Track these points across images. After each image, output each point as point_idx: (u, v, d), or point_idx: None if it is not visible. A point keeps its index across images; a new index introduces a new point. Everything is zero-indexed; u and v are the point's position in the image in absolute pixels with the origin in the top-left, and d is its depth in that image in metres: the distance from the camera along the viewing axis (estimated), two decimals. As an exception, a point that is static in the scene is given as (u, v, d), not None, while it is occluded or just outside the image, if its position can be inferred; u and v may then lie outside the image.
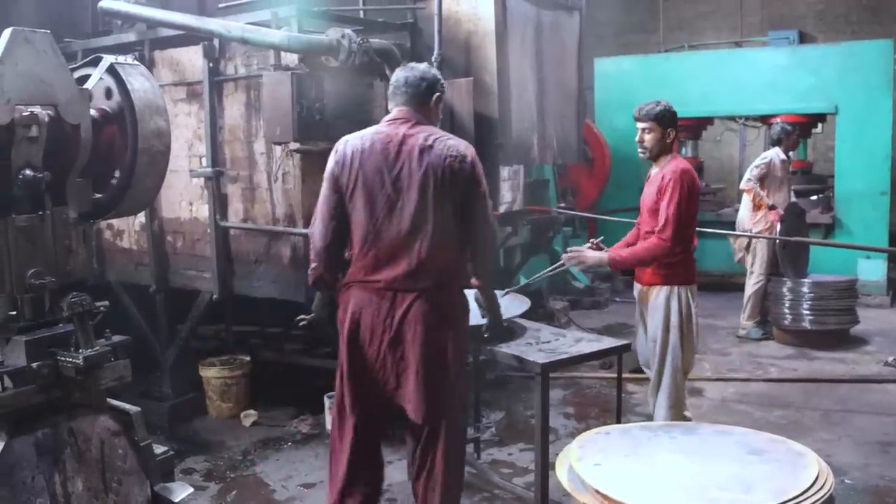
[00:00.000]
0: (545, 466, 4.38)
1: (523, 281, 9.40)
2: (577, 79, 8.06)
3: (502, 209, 7.85)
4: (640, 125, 5.25)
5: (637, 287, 5.35)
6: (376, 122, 6.20)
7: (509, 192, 8.45)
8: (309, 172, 5.88)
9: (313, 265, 4.12)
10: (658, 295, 5.05)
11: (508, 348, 4.61)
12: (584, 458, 3.16)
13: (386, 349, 4.00)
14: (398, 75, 4.19)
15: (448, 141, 4.07)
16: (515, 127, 6.86)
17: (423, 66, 4.28)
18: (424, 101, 4.15)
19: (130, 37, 6.94)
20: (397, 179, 3.95)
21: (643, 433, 3.52)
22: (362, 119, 6.15)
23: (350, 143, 4.04)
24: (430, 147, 4.00)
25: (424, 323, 3.98)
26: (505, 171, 7.94)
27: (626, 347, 4.78)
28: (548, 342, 4.68)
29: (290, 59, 5.95)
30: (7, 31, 3.89)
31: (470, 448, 5.83)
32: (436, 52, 6.22)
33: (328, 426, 6.31)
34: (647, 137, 5.19)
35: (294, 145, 5.80)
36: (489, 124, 6.42)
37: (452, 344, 4.05)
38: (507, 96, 6.73)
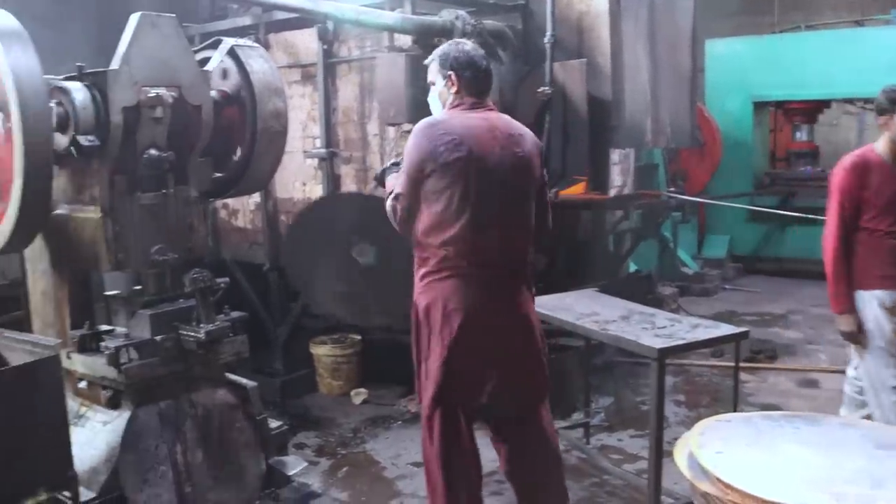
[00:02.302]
0: (659, 453, 4.32)
1: (633, 267, 9.31)
2: (691, 60, 7.88)
3: (612, 193, 7.76)
4: None
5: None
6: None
7: (619, 176, 8.34)
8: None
9: (401, 216, 3.82)
10: None
11: (622, 332, 4.53)
12: (705, 445, 3.09)
13: (500, 333, 3.87)
14: (481, 61, 3.93)
15: (523, 127, 4.00)
16: (629, 110, 6.74)
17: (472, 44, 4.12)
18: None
19: (246, 20, 7.08)
20: (500, 165, 3.80)
21: (765, 422, 3.41)
22: (474, 101, 6.16)
23: (449, 133, 3.73)
24: (521, 135, 3.92)
25: (528, 305, 3.97)
26: (615, 155, 7.83)
27: (744, 335, 4.62)
28: (663, 327, 4.59)
29: (404, 40, 6.00)
30: (135, 16, 4.03)
31: (579, 433, 5.81)
32: (548, 33, 6.14)
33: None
34: None
35: (407, 126, 5.83)
36: (602, 107, 6.32)
37: (538, 322, 4.07)
38: (621, 78, 6.61)
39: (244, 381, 4.66)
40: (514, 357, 3.89)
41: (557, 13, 6.30)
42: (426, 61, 4.05)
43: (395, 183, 3.81)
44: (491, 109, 3.93)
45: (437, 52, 3.98)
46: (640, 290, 7.76)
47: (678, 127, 7.62)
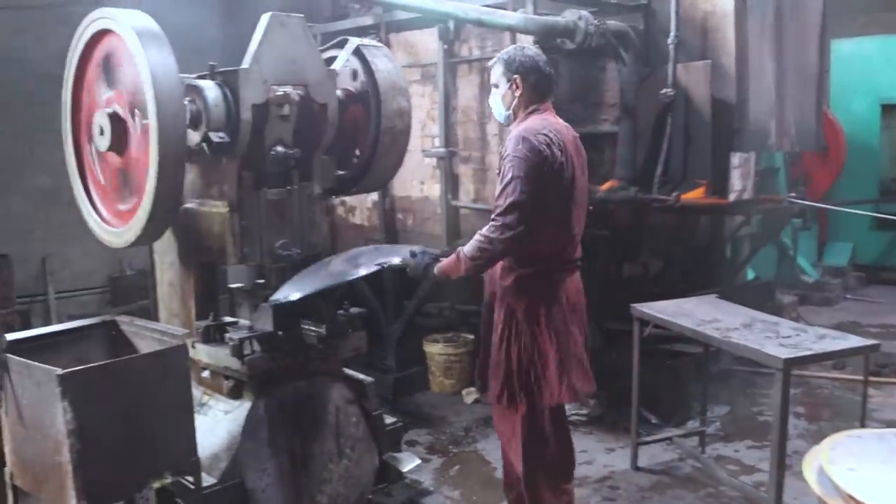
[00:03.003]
0: (782, 467, 4.20)
1: (751, 275, 9.06)
2: (818, 61, 7.63)
3: (732, 197, 7.56)
4: None
5: None
6: (608, 105, 6.19)
7: (739, 181, 8.10)
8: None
9: (519, 229, 3.76)
10: None
11: (745, 340, 4.42)
12: (837, 461, 2.98)
13: (578, 326, 4.06)
14: (545, 67, 4.00)
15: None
16: (753, 112, 6.56)
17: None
18: None
19: (367, 20, 7.19)
20: (580, 167, 3.99)
21: (900, 440, 3.28)
22: (595, 102, 6.11)
23: (550, 139, 3.82)
24: (577, 136, 4.09)
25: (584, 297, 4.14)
26: (736, 158, 7.63)
27: (875, 347, 4.45)
28: (788, 337, 4.45)
29: (525, 41, 5.96)
30: (265, 16, 4.12)
31: (694, 441, 5.70)
32: (672, 33, 6.03)
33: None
34: None
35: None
36: (726, 109, 6.17)
37: None
38: (745, 80, 6.44)
39: (362, 376, 4.71)
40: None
41: (681, 13, 6.18)
42: (489, 63, 4.13)
43: (507, 198, 3.75)
44: (553, 112, 4.05)
45: (502, 54, 4.04)
46: (759, 298, 7.55)
47: (803, 130, 7.39)
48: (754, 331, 4.63)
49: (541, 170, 3.74)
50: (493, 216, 3.77)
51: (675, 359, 6.30)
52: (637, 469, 5.44)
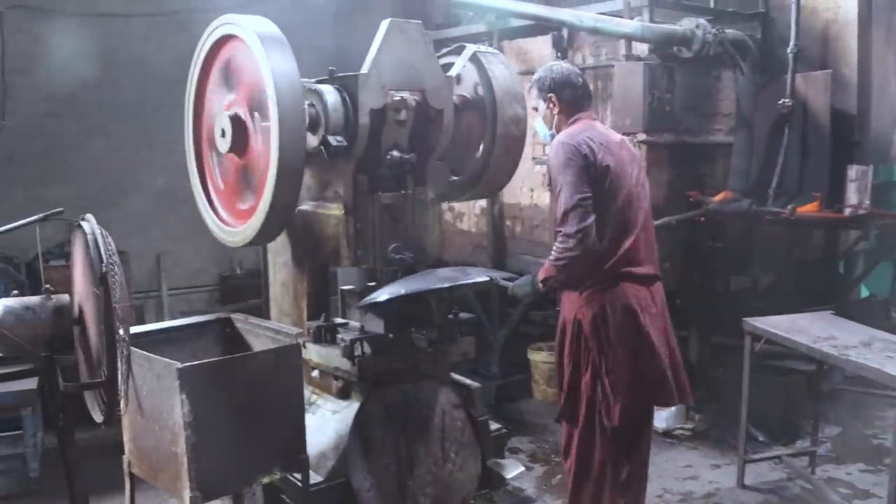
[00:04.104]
0: (898, 494, 4.05)
1: (865, 293, 8.76)
2: (947, 69, 7.37)
3: (847, 212, 7.34)
4: None
5: None
6: (722, 115, 6.08)
7: (855, 194, 7.86)
8: (654, 163, 5.78)
9: (580, 233, 3.67)
10: None
11: (864, 359, 4.28)
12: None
13: (659, 339, 3.89)
14: (577, 79, 3.99)
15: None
16: (874, 124, 6.36)
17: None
18: None
19: (480, 27, 7.20)
20: (631, 170, 3.90)
21: None
22: (708, 111, 6.00)
23: (592, 142, 3.77)
24: (625, 140, 4.03)
25: (666, 309, 4.00)
26: (852, 171, 7.40)
27: None
28: (911, 356, 4.30)
29: (641, 49, 5.92)
30: (385, 22, 4.19)
31: (804, 461, 5.53)
32: (791, 43, 5.88)
33: (654, 422, 6.25)
34: None
35: (641, 136, 5.75)
36: (846, 121, 6.00)
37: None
38: (868, 90, 6.25)
39: (468, 381, 4.73)
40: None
41: (801, 22, 6.04)
42: (527, 87, 4.12)
43: (560, 208, 3.71)
44: (596, 119, 4.02)
45: (534, 78, 4.05)
46: (875, 316, 7.29)
47: (927, 141, 7.13)
48: (874, 350, 4.47)
49: (586, 170, 3.70)
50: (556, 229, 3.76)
51: (786, 376, 6.14)
52: (744, 487, 5.30)
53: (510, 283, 4.09)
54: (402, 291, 4.00)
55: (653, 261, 3.96)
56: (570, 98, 3.94)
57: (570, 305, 3.90)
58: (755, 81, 6.14)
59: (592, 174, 3.70)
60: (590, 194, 3.67)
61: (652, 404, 4.05)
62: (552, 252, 3.74)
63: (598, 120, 4.07)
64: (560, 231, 3.69)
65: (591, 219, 3.65)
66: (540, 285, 3.89)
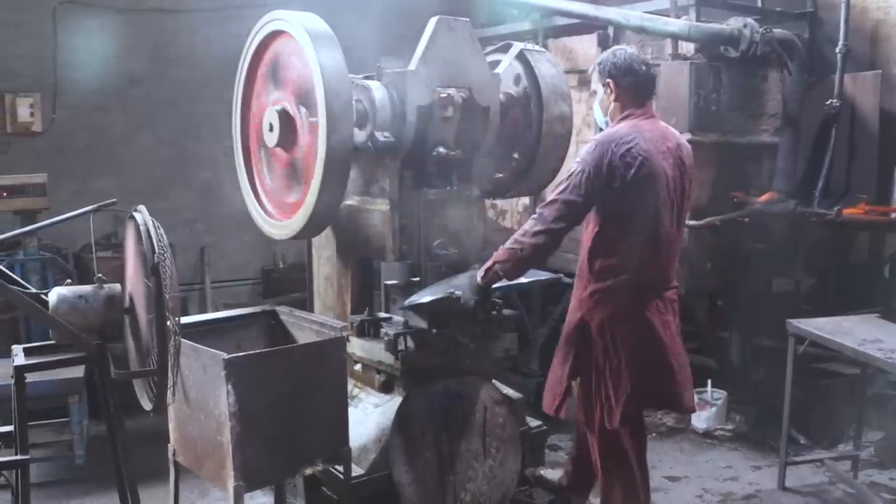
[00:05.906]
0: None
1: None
2: None
3: (894, 215, 7.25)
4: None
5: None
6: (769, 115, 6.02)
7: (901, 196, 7.78)
8: (699, 163, 5.70)
9: (552, 225, 3.75)
10: None
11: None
12: None
13: (671, 344, 3.89)
14: (640, 66, 3.87)
15: (679, 135, 4.00)
16: (924, 125, 6.32)
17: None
18: None
19: (524, 26, 7.21)
20: (674, 178, 3.81)
21: None
22: (754, 111, 5.94)
23: (629, 154, 3.67)
24: (682, 144, 3.94)
25: (678, 316, 4.00)
26: (897, 173, 7.34)
27: None
28: (962, 359, 4.24)
29: (687, 48, 5.90)
30: (433, 19, 4.21)
31: (846, 465, 5.49)
32: (840, 42, 5.83)
33: (694, 422, 6.24)
34: None
35: (686, 135, 5.71)
36: (895, 122, 5.96)
37: None
38: (919, 91, 6.21)
39: (510, 391, 4.75)
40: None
41: (850, 22, 5.98)
42: (588, 71, 4.05)
43: (553, 192, 3.78)
44: (653, 117, 3.90)
45: (597, 59, 3.97)
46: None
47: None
48: (921, 354, 4.43)
49: (606, 183, 3.66)
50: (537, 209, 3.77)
51: (830, 378, 6.08)
52: (785, 489, 5.28)
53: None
54: (441, 295, 4.02)
55: (673, 269, 3.95)
56: (630, 87, 3.85)
57: (579, 306, 3.94)
58: (802, 81, 6.08)
59: (618, 184, 3.65)
60: (581, 202, 3.68)
61: (653, 410, 4.07)
62: (514, 236, 3.81)
63: (656, 117, 3.98)
64: (537, 211, 3.77)
65: (567, 226, 3.74)
66: (479, 280, 3.95)
